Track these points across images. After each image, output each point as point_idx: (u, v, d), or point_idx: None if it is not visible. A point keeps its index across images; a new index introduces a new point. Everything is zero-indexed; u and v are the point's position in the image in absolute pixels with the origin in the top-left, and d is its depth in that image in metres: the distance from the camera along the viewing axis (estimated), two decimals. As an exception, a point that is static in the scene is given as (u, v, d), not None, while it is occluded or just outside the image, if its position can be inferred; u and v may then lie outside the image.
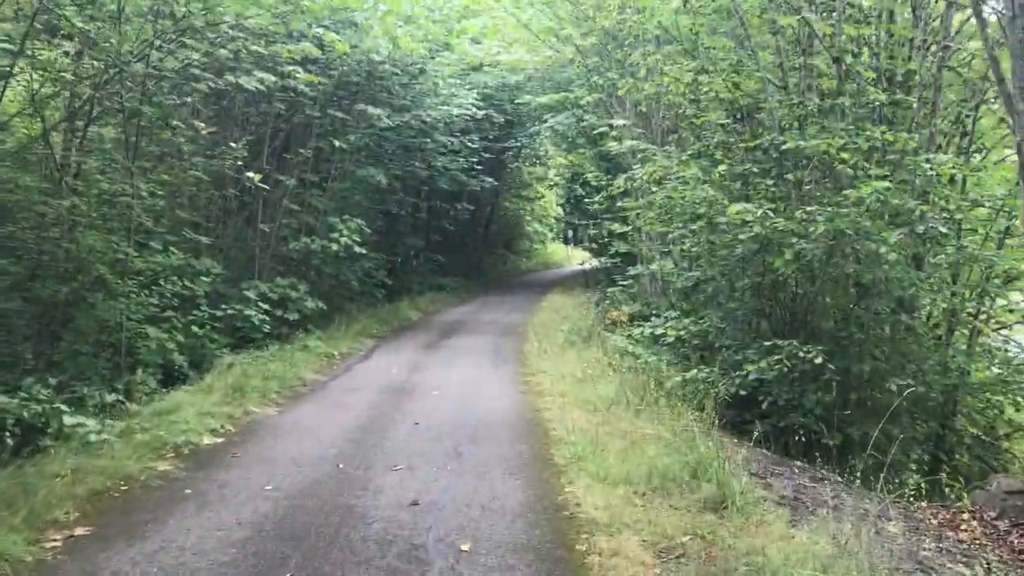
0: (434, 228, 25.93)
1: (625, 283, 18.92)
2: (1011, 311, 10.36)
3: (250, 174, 10.14)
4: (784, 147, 8.81)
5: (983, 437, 9.35)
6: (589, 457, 6.63)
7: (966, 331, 9.98)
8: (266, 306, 13.38)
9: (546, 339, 14.11)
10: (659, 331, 9.68)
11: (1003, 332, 11.29)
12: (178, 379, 11.69)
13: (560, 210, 41.70)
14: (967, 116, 10.02)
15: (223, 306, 12.97)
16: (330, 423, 8.48)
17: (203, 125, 11.33)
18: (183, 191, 13.78)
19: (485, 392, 10.12)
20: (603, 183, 13.41)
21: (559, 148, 30.97)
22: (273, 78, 11.76)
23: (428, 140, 19.14)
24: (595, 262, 29.57)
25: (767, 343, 8.20)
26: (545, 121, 22.62)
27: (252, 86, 11.68)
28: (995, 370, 9.81)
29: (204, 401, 9.26)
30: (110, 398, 9.21)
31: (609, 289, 18.76)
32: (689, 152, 10.81)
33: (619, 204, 13.97)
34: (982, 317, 9.44)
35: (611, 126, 13.64)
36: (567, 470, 6.52)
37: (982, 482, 7.59)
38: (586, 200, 24.59)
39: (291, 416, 8.94)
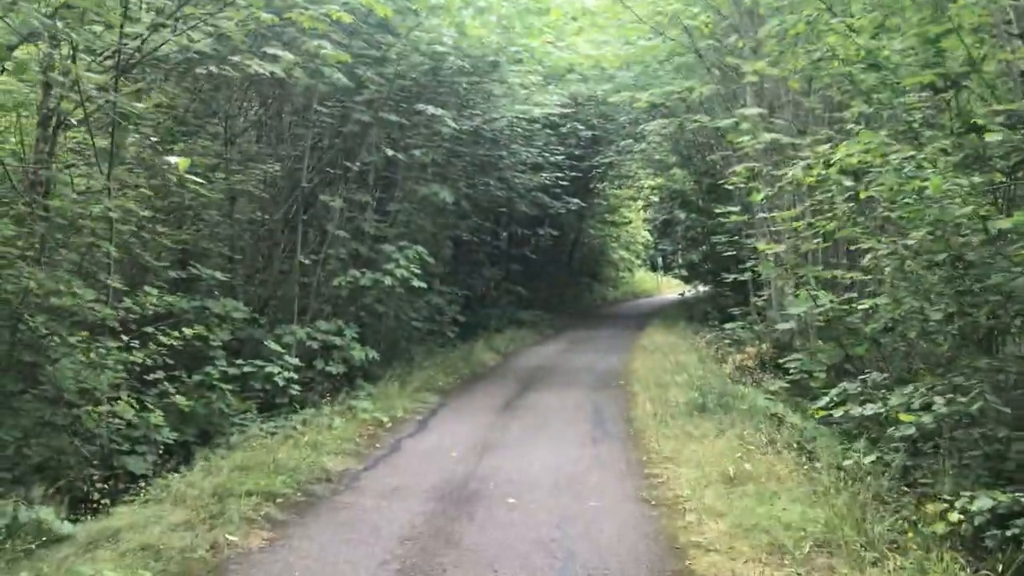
0: (514, 257, 22.29)
1: (748, 317, 14.92)
2: None
3: (174, 159, 6.59)
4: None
5: None
6: None
7: None
8: (295, 360, 9.88)
9: (659, 397, 10.21)
10: (881, 409, 5.64)
11: None
12: (184, 459, 8.40)
13: (648, 235, 37.67)
14: None
15: (239, 362, 9.56)
16: (335, 580, 4.85)
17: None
18: (193, 216, 10.52)
19: (587, 502, 6.31)
20: (748, 184, 9.46)
21: (648, 170, 26.98)
22: (292, 57, 8.34)
23: (504, 153, 15.54)
24: (694, 290, 25.52)
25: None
26: (640, 132, 18.76)
27: (266, 70, 8.30)
28: None
29: (160, 523, 5.75)
30: (27, 516, 5.85)
31: (727, 325, 14.74)
32: (886, 133, 6.85)
33: (762, 215, 10.03)
34: None
35: (743, 118, 9.76)
36: None
37: None
38: (690, 218, 20.66)
39: (279, 559, 5.32)
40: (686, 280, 32.07)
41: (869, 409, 5.57)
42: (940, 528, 4.34)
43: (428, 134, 12.92)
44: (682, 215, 23.44)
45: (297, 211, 11.85)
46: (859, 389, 6.45)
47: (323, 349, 11.17)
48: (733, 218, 9.25)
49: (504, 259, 22.05)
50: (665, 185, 22.47)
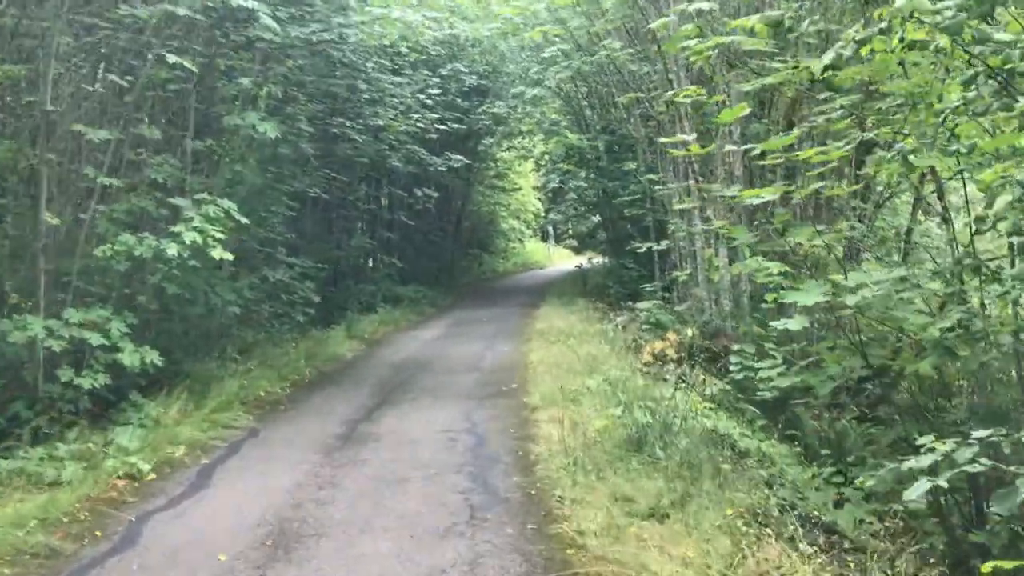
0: (391, 223, 18.41)
1: (660, 294, 11.93)
2: None
3: None
4: None
5: None
6: None
7: None
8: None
9: (570, 418, 6.77)
10: None
11: None
12: None
13: (538, 204, 34.37)
14: None
15: None
16: None
17: None
18: None
19: None
20: (710, 99, 5.88)
21: (539, 136, 23.39)
22: None
23: (363, 85, 11.63)
24: (590, 261, 22.33)
25: None
26: (533, 75, 15.27)
27: None
28: None
29: None
30: None
31: (640, 305, 11.52)
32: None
33: (730, 147, 6.67)
34: None
35: (684, 14, 6.35)
36: None
37: None
38: (588, 179, 17.38)
39: None
40: (576, 251, 28.92)
41: None
42: None
43: (245, 44, 8.92)
44: (572, 183, 20.12)
45: (40, 147, 7.72)
46: (966, 450, 3.17)
47: (75, 352, 7.21)
48: (692, 150, 5.82)
49: (378, 224, 18.17)
50: (560, 142, 19.00)
